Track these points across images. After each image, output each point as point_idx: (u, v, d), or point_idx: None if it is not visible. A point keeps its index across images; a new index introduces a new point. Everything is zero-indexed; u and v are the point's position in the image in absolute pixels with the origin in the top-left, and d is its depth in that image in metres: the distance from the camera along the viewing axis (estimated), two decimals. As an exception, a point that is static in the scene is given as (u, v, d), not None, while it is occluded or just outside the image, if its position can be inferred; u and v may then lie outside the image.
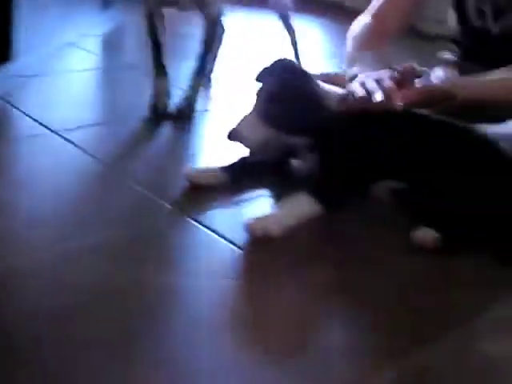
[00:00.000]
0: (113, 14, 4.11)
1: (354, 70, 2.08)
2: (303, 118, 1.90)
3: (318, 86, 1.93)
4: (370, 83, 1.91)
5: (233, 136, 1.89)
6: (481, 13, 2.23)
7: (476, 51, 2.28)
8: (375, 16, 2.31)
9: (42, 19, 2.99)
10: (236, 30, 4.20)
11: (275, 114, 1.88)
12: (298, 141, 1.94)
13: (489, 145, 1.90)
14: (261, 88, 1.95)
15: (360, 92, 1.90)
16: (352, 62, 2.16)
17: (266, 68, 1.99)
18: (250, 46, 3.94)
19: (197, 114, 2.49)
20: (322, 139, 1.92)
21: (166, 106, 2.48)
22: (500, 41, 2.22)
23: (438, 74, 2.21)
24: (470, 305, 1.56)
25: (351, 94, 1.93)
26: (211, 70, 2.98)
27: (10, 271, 1.49)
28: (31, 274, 1.49)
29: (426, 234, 1.74)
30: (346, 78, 2.11)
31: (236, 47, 3.77)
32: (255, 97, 1.94)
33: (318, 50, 4.17)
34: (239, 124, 1.90)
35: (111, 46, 3.77)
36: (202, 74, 2.60)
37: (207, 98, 2.77)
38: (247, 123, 1.90)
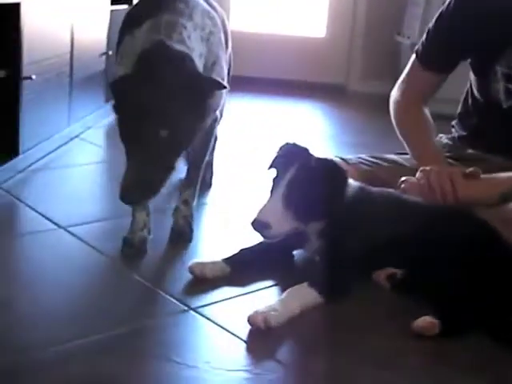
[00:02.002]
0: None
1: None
2: (324, 205, 1.94)
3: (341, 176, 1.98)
4: (435, 179, 2.10)
5: (258, 225, 1.91)
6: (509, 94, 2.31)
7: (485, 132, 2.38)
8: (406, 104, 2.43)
9: (47, 113, 3.08)
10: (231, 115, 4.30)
11: (297, 201, 1.91)
12: (310, 227, 1.98)
13: (490, 234, 1.96)
14: (277, 175, 1.97)
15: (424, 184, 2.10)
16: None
17: (279, 155, 2.02)
18: (244, 131, 4.02)
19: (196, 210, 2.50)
20: (334, 225, 1.96)
21: (143, 242, 2.18)
22: None
23: None
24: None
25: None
26: (211, 175, 2.93)
27: (9, 369, 1.50)
28: (32, 373, 1.50)
29: (425, 322, 1.76)
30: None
31: (231, 133, 3.84)
32: (272, 184, 1.97)
33: (319, 132, 4.24)
34: (262, 213, 1.92)
35: (115, 137, 3.81)
36: (196, 185, 2.36)
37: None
38: (271, 211, 1.92)
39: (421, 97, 2.42)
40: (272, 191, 1.96)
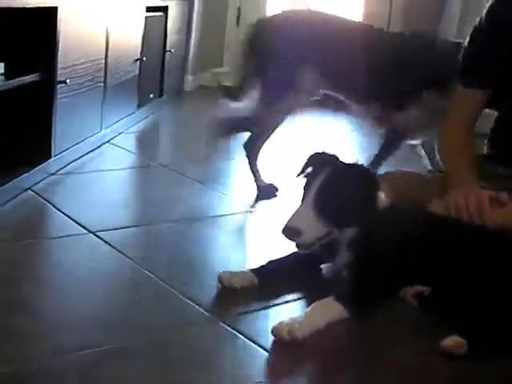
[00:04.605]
0: (148, 112, 4.23)
1: None
2: (355, 211, 1.94)
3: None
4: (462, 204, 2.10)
5: (289, 232, 1.90)
6: None
7: None
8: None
9: (80, 117, 3.11)
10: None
11: (328, 206, 1.91)
12: (340, 236, 1.97)
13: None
14: (308, 182, 1.97)
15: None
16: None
17: (308, 162, 2.02)
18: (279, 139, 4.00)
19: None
20: (363, 237, 1.96)
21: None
22: None
23: None
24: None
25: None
26: None
27: (33, 373, 1.51)
28: (56, 378, 1.50)
29: (453, 341, 1.74)
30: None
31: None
32: (302, 191, 1.97)
33: (354, 144, 4.22)
34: (293, 219, 1.91)
35: (146, 143, 3.85)
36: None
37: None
38: (301, 218, 1.91)
39: (466, 120, 2.39)
40: (303, 198, 1.96)
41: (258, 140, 2.91)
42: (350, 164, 2.00)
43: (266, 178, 2.97)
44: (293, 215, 1.92)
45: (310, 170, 2.01)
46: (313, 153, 2.05)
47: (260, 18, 3.01)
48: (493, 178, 2.36)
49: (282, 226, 1.91)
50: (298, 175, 2.03)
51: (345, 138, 4.44)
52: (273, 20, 2.94)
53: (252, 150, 2.92)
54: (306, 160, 2.04)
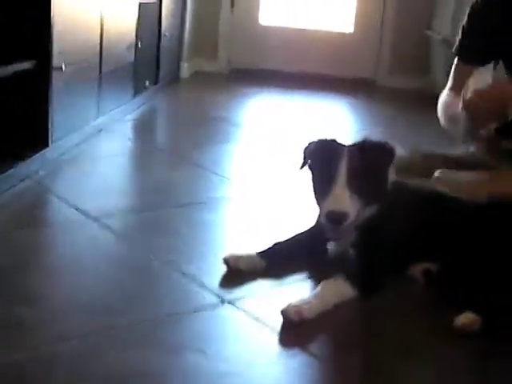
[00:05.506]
0: (144, 99, 4.20)
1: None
2: (381, 188, 1.91)
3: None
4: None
5: (337, 216, 1.82)
6: None
7: None
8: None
9: (76, 104, 3.07)
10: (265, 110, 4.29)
11: (361, 185, 1.85)
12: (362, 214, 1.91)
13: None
14: (327, 167, 1.88)
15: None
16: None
17: (310, 151, 1.96)
18: (271, 124, 3.99)
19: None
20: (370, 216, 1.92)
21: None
22: None
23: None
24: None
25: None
26: None
27: (39, 359, 1.48)
28: (61, 363, 1.48)
29: (467, 318, 1.71)
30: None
31: (258, 126, 3.83)
32: (314, 179, 1.93)
33: (347, 126, 4.22)
34: (336, 203, 1.83)
35: (143, 130, 3.83)
36: None
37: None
38: (343, 200, 1.83)
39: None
40: (328, 182, 1.86)
41: None
42: (371, 141, 1.94)
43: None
44: (329, 200, 1.84)
45: (315, 157, 1.94)
46: (310, 143, 1.97)
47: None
48: (494, 152, 2.35)
49: (324, 212, 1.84)
50: (302, 167, 1.97)
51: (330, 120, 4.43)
52: None
53: None
54: (305, 151, 1.97)
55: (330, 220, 1.84)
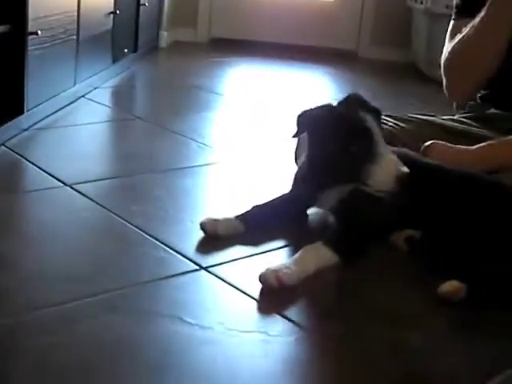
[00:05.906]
0: (123, 67, 4.14)
1: None
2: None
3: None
4: None
5: (407, 178, 1.74)
6: None
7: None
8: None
9: (53, 71, 3.01)
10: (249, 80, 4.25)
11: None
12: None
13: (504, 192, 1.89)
14: (348, 130, 1.80)
15: None
16: None
17: (305, 119, 1.86)
18: (253, 95, 3.96)
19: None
20: None
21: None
22: None
23: None
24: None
25: None
26: None
27: (16, 328, 1.44)
28: (40, 331, 1.44)
29: (451, 286, 1.68)
30: None
31: (240, 96, 3.80)
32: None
33: (329, 98, 4.18)
34: (400, 163, 1.76)
35: (121, 97, 3.78)
36: None
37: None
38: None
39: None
40: (363, 147, 1.78)
41: None
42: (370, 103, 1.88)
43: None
44: (387, 164, 1.76)
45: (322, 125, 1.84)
46: (302, 111, 1.87)
47: None
48: (485, 120, 2.32)
49: (387, 178, 1.75)
50: (297, 135, 1.88)
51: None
52: None
53: None
54: (300, 119, 1.86)
55: (401, 183, 1.74)
